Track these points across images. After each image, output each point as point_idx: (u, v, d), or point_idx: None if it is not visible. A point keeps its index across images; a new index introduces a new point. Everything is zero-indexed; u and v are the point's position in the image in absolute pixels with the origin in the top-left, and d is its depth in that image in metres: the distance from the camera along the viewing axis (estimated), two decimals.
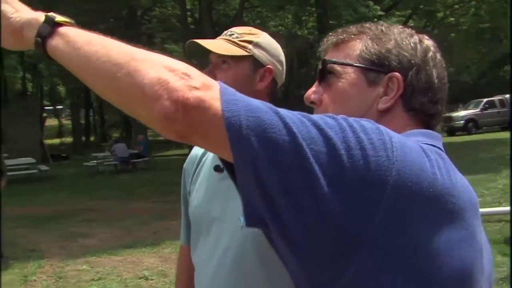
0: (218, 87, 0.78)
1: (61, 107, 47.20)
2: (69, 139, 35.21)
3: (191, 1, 23.07)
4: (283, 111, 0.77)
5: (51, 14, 0.87)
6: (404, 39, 0.97)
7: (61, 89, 39.18)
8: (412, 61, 0.94)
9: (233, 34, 1.51)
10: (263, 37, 1.53)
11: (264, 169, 0.73)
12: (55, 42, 0.84)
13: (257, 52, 1.48)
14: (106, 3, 21.53)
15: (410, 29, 1.02)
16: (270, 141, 0.74)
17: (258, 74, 1.48)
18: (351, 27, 1.02)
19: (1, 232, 7.16)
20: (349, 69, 0.97)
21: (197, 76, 0.78)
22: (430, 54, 0.97)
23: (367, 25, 1.01)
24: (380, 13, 18.61)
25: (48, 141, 30.43)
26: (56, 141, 36.22)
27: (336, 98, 0.98)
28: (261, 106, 0.77)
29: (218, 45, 1.48)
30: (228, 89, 0.79)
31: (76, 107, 33.75)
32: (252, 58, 1.47)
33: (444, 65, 1.00)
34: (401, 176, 0.75)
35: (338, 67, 0.97)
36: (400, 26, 1.03)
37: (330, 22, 17.68)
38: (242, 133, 0.74)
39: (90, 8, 20.71)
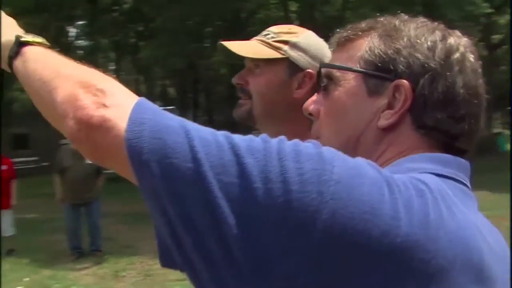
0: (132, 104, 0.69)
1: (172, 107, 49.63)
2: None
3: (294, 3, 23.35)
4: (197, 131, 0.66)
5: (20, 34, 0.85)
6: (420, 36, 0.78)
7: (172, 90, 41.29)
8: (426, 65, 0.76)
9: (268, 34, 1.36)
10: (304, 37, 1.34)
11: (167, 203, 0.63)
12: (16, 63, 0.83)
13: (293, 53, 1.30)
14: (212, 7, 22.49)
15: (439, 23, 0.83)
16: (170, 169, 0.63)
17: (296, 80, 1.30)
18: (362, 22, 0.85)
19: (100, 227, 7.90)
20: (350, 75, 0.81)
21: (114, 93, 0.71)
22: (456, 56, 0.77)
23: (382, 19, 0.84)
24: (489, 10, 17.58)
25: None
26: None
27: (331, 110, 0.83)
28: (173, 125, 0.66)
29: (246, 47, 1.35)
30: (143, 107, 0.69)
31: (185, 108, 35.38)
32: (288, 61, 1.30)
33: (480, 71, 0.81)
34: (337, 220, 0.58)
35: (337, 72, 0.82)
36: (423, 20, 0.83)
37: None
38: (142, 159, 0.64)
39: (198, 12, 21.78)
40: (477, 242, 0.67)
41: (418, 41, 0.77)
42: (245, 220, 0.59)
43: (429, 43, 0.77)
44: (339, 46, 0.85)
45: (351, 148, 0.78)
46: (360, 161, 0.66)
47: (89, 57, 31.03)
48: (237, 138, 0.66)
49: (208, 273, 0.62)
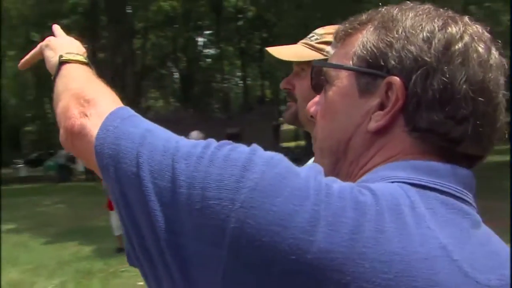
0: (109, 112, 0.76)
1: None
2: (303, 143, 38.02)
3: None
4: (154, 137, 0.69)
5: (63, 54, 0.97)
6: (416, 26, 0.71)
7: None
8: (419, 59, 0.68)
9: (313, 36, 1.37)
10: None
11: (120, 205, 0.67)
12: (56, 81, 0.94)
13: None
14: (333, 11, 23.07)
15: (446, 10, 0.75)
16: (120, 173, 0.67)
17: None
18: (365, 13, 0.79)
19: None
20: (343, 73, 0.75)
21: (98, 103, 0.79)
22: (458, 46, 0.68)
23: (383, 9, 0.77)
24: None
25: (284, 144, 33.58)
26: (292, 144, 39.32)
27: (325, 112, 0.78)
28: (133, 132, 0.70)
29: (289, 51, 1.38)
30: (115, 115, 0.75)
31: None
32: None
33: (497, 62, 0.71)
34: (244, 230, 0.56)
35: (332, 71, 0.77)
36: (427, 7, 0.75)
37: None
38: (103, 163, 0.70)
39: (319, 17, 22.58)
40: (433, 266, 0.57)
41: (413, 31, 0.70)
42: (172, 225, 0.61)
43: (425, 33, 0.69)
44: (339, 42, 0.80)
45: (342, 152, 0.75)
46: (297, 168, 0.62)
47: (216, 65, 33.47)
48: (185, 144, 0.66)
49: (150, 272, 0.64)
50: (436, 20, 0.71)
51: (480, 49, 0.69)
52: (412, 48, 0.69)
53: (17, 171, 28.24)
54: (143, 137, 0.69)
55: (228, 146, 0.65)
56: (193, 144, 0.66)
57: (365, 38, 0.73)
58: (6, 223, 12.72)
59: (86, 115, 0.78)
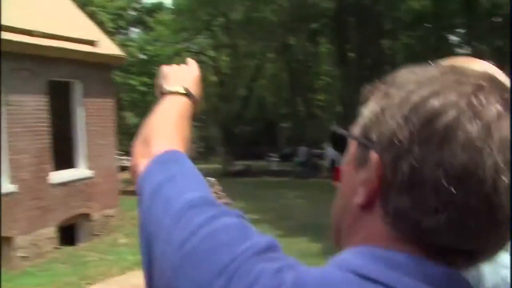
0: (155, 156, 0.93)
1: None
2: None
3: None
4: (168, 189, 0.83)
5: (166, 86, 1.20)
6: (409, 93, 0.66)
7: None
8: (394, 137, 0.65)
9: None
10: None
11: (142, 237, 0.82)
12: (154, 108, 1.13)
13: None
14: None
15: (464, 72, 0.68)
16: (139, 215, 0.85)
17: None
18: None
19: None
20: (351, 140, 0.75)
21: (153, 145, 0.97)
22: (438, 125, 0.62)
23: (406, 71, 0.72)
24: None
25: None
26: None
27: (339, 179, 0.78)
28: (156, 180, 0.86)
29: None
30: (157, 159, 0.92)
31: None
32: None
33: (489, 145, 0.61)
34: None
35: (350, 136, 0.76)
36: (447, 66, 0.71)
37: None
38: (139, 204, 0.88)
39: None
40: None
41: (403, 101, 0.66)
42: (149, 270, 0.78)
43: (410, 105, 0.65)
44: (363, 104, 0.76)
45: (340, 223, 0.76)
46: (240, 242, 0.67)
47: None
48: (187, 201, 0.78)
49: None
50: (431, 87, 0.65)
51: (471, 128, 0.61)
52: (392, 122, 0.65)
53: (270, 165, 31.20)
54: (159, 186, 0.84)
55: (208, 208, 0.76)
56: (194, 200, 0.78)
57: (370, 103, 0.72)
58: (251, 213, 14.82)
59: (142, 155, 0.97)
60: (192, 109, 1.18)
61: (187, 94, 1.17)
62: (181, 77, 1.23)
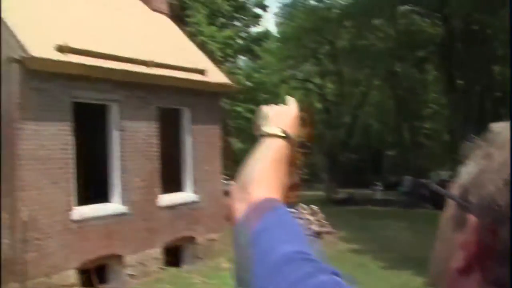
0: (254, 203, 0.97)
1: None
2: None
3: None
4: (265, 238, 0.86)
5: (266, 128, 1.20)
6: (508, 159, 0.62)
7: None
8: (493, 202, 0.61)
9: None
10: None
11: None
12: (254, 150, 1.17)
13: None
14: None
15: None
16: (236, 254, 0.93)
17: None
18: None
19: None
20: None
21: (252, 192, 1.00)
22: None
23: (508, 127, 0.67)
24: None
25: None
26: None
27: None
28: (255, 228, 0.89)
29: None
30: (256, 207, 0.95)
31: None
32: None
33: None
34: None
35: None
36: None
37: None
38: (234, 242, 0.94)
39: None
40: None
41: (504, 164, 0.62)
42: None
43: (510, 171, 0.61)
44: None
45: (439, 281, 0.73)
46: None
47: None
48: (283, 254, 0.79)
49: None
50: None
51: None
52: (491, 186, 0.62)
53: (374, 193, 30.63)
54: (256, 235, 0.87)
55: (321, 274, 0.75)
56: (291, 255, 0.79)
57: (470, 163, 0.68)
58: (351, 243, 14.55)
59: (240, 200, 1.00)
60: (290, 152, 1.17)
61: (286, 137, 1.17)
62: (280, 118, 1.22)
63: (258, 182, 1.03)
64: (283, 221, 0.90)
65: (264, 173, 1.06)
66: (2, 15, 9.45)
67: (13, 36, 9.25)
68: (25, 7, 10.47)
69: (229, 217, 1.02)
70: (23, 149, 9.17)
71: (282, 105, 1.31)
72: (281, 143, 1.16)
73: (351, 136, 34.55)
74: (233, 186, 1.08)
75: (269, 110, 1.27)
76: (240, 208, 0.97)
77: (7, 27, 9.36)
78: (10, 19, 9.51)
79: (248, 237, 0.87)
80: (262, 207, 0.93)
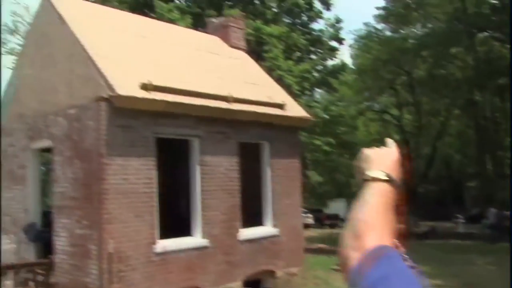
0: (367, 250, 0.97)
1: None
2: None
3: None
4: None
5: (369, 172, 1.19)
6: None
7: None
8: None
9: None
10: None
11: None
12: (358, 195, 1.16)
13: None
14: None
15: None
16: None
17: None
18: None
19: None
20: None
21: (364, 239, 0.99)
22: None
23: None
24: None
25: None
26: None
27: None
28: (370, 275, 0.90)
29: None
30: (369, 254, 0.95)
31: None
32: None
33: None
34: None
35: None
36: None
37: None
38: None
39: None
40: None
41: None
42: None
43: None
44: None
45: None
46: None
47: None
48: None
49: None
50: None
51: None
52: None
53: (456, 226, 29.43)
54: (373, 285, 0.87)
55: None
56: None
57: None
58: (435, 278, 13.88)
59: (353, 248, 0.99)
60: (395, 196, 1.15)
61: (390, 181, 1.15)
62: (382, 161, 1.21)
63: (369, 229, 1.01)
64: (399, 268, 0.89)
65: (375, 219, 1.04)
66: (90, 53, 9.88)
67: (101, 75, 9.59)
68: (112, 47, 10.88)
69: (342, 265, 1.01)
70: (110, 183, 9.39)
71: (382, 147, 1.29)
72: (386, 187, 1.14)
73: (430, 167, 33.53)
74: (344, 233, 1.05)
75: (371, 153, 1.25)
76: (354, 256, 0.97)
77: (96, 66, 9.73)
78: (98, 59, 9.90)
79: (365, 285, 0.87)
80: (377, 255, 0.92)
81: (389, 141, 1.31)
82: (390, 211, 1.10)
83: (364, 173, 1.20)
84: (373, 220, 1.04)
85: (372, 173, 1.17)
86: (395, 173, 1.18)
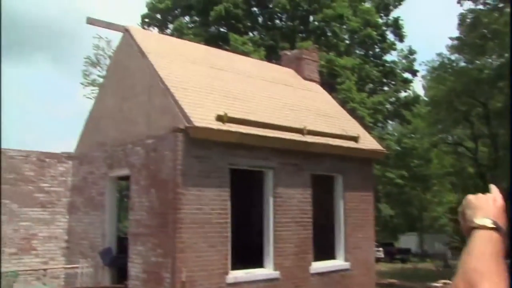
0: None
1: None
2: None
3: None
4: None
5: (475, 219, 1.17)
6: None
7: None
8: None
9: None
10: None
11: None
12: (467, 244, 1.14)
13: None
14: None
15: None
16: None
17: None
18: None
19: None
20: None
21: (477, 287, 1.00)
22: None
23: None
24: None
25: None
26: None
27: None
28: None
29: None
30: None
31: None
32: None
33: None
34: None
35: None
36: None
37: None
38: None
39: None
40: None
41: None
42: None
43: None
44: None
45: None
46: None
47: None
48: None
49: None
50: None
51: None
52: None
53: None
54: None
55: None
56: None
57: None
58: None
59: None
60: (502, 243, 1.12)
61: (497, 229, 1.13)
62: (488, 208, 1.19)
63: (483, 279, 1.00)
64: None
65: (487, 268, 1.03)
66: (168, 85, 10.05)
67: (178, 106, 9.74)
68: (189, 79, 11.07)
69: None
70: (184, 213, 9.43)
71: (486, 194, 1.26)
72: (494, 235, 1.12)
73: (511, 203, 31.88)
74: (455, 283, 1.05)
75: (475, 199, 1.23)
76: None
77: (173, 98, 9.90)
78: (175, 91, 10.07)
79: None
80: None
81: (493, 187, 1.28)
82: (500, 260, 1.07)
83: (470, 220, 1.19)
84: (485, 269, 1.03)
85: (479, 220, 1.15)
86: (501, 221, 1.16)
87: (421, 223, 42.36)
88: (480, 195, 1.26)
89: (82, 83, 31.08)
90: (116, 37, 14.23)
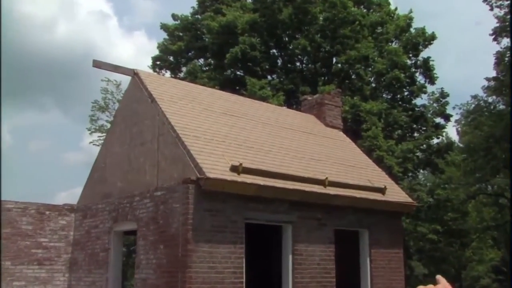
0: None
1: None
2: None
3: None
4: None
5: None
6: None
7: None
8: None
9: None
10: None
11: None
12: None
13: None
14: None
15: None
16: None
17: None
18: None
19: None
20: None
21: None
22: None
23: None
24: None
25: None
26: None
27: None
28: None
29: None
30: None
31: None
32: None
33: None
34: None
35: None
36: None
37: None
38: None
39: None
40: None
41: None
42: None
43: None
44: None
45: None
46: None
47: None
48: None
49: None
50: None
51: None
52: None
53: None
54: None
55: None
56: None
57: None
58: None
59: None
60: None
61: None
62: None
63: None
64: None
65: None
66: (179, 133, 10.18)
67: (190, 156, 9.83)
68: (201, 127, 11.20)
69: None
70: (195, 271, 9.39)
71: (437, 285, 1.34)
72: None
73: None
74: None
75: None
76: None
77: (185, 147, 10.01)
78: (186, 139, 10.19)
79: None
80: None
81: (440, 278, 1.36)
82: None
83: None
84: None
85: None
86: None
87: (461, 283, 41.46)
88: (430, 285, 1.33)
89: (88, 129, 31.43)
90: (126, 80, 14.54)
